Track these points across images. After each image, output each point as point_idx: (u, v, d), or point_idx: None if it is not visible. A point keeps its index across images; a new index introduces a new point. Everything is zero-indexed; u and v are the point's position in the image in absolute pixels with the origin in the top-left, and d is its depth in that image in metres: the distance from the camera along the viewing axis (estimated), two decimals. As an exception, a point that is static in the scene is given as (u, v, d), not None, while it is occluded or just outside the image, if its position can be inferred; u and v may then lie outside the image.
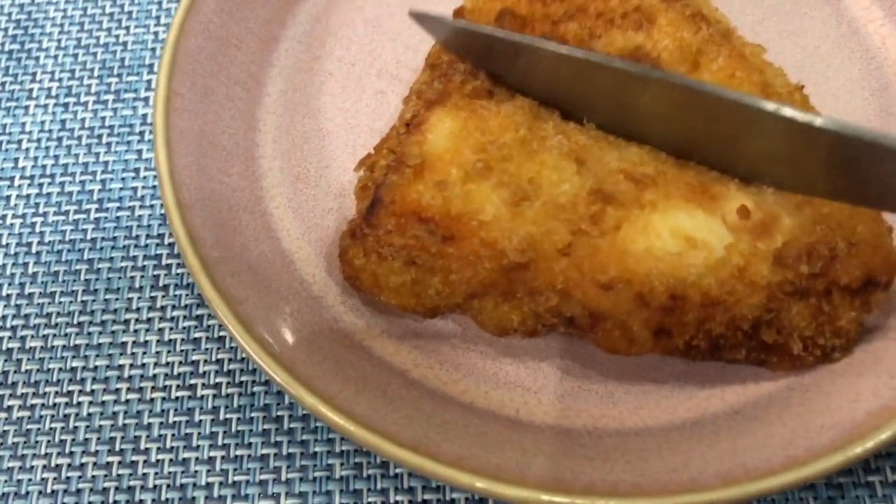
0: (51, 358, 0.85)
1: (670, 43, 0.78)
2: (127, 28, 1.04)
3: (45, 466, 0.80)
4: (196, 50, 0.87)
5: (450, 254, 0.70)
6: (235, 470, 0.78)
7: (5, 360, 0.85)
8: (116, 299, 0.87)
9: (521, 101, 0.77)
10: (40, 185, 0.94)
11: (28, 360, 0.85)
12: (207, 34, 0.88)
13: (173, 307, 0.87)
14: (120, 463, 0.80)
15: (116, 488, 0.79)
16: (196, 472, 0.79)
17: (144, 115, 0.98)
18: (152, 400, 0.82)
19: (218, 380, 0.83)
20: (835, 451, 0.65)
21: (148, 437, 0.81)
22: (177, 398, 0.82)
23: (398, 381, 0.75)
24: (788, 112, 0.64)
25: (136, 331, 0.86)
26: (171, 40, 0.85)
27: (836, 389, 0.71)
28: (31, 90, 1.00)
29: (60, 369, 0.84)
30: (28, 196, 0.94)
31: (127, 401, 0.82)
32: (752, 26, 0.92)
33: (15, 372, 0.84)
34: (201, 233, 0.76)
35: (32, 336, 0.86)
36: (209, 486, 0.78)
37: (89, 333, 0.86)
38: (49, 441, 0.81)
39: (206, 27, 0.88)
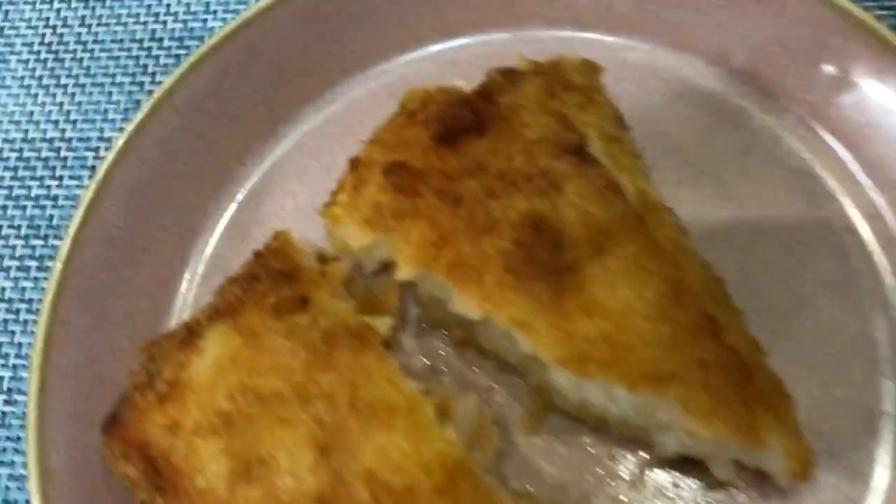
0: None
1: (575, 217, 0.68)
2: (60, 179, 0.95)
3: None
4: (90, 263, 0.77)
5: None
6: None
7: None
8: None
9: (317, 324, 0.68)
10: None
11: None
12: (108, 242, 0.79)
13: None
14: None
15: None
16: None
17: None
18: None
19: None
20: None
21: None
22: None
23: None
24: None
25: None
26: (62, 257, 0.76)
27: None
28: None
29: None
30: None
31: None
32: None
33: None
34: (61, 507, 0.69)
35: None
36: None
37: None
38: None
39: (108, 233, 0.79)
